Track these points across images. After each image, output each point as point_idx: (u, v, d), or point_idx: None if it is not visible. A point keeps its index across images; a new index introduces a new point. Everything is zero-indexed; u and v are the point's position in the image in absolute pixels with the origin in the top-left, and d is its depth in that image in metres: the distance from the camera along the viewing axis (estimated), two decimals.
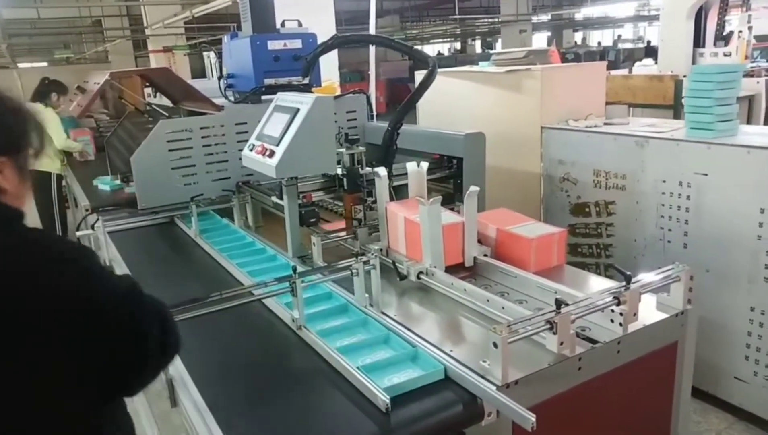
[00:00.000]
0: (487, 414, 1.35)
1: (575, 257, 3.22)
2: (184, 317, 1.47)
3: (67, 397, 0.93)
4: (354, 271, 1.72)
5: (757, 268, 2.45)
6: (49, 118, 4.84)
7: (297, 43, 2.84)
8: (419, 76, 4.01)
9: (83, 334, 0.92)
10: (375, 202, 2.20)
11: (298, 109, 2.02)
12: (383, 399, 1.28)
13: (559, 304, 1.44)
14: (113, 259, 2.47)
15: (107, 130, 5.23)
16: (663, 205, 2.78)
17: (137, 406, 2.84)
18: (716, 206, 2.56)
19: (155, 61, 11.09)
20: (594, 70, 3.66)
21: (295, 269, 1.62)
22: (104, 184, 3.56)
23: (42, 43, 16.42)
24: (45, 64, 16.75)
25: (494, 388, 1.33)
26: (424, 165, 2.19)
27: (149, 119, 3.47)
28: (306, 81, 2.83)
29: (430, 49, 28.83)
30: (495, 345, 1.35)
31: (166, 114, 3.20)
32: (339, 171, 2.29)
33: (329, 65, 4.95)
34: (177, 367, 1.52)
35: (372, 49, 4.59)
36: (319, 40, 2.85)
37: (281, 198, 2.21)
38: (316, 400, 1.40)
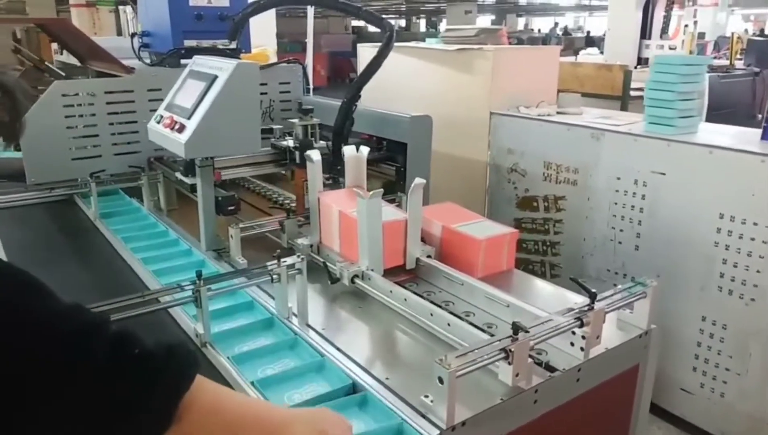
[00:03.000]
0: None
1: (519, 253, 3.04)
2: None
3: None
4: (274, 276, 1.44)
5: (712, 276, 2.33)
6: None
7: (224, 1, 2.48)
8: (365, 49, 3.71)
9: None
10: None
11: (215, 77, 1.69)
12: None
13: (516, 329, 1.21)
14: None
15: None
16: (616, 203, 2.63)
17: None
18: (672, 208, 2.42)
19: (77, 17, 10.19)
20: (548, 54, 3.47)
21: (200, 275, 1.32)
22: None
23: None
24: None
25: (437, 432, 1.10)
26: (364, 150, 1.92)
27: (51, 79, 3.01)
28: (233, 45, 2.48)
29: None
30: (441, 380, 1.11)
31: (63, 74, 2.77)
32: (290, 143, 2.08)
33: (266, 32, 4.56)
34: None
35: (310, 15, 4.22)
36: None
37: (186, 175, 1.89)
38: None
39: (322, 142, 2.12)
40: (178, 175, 2.03)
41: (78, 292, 1.69)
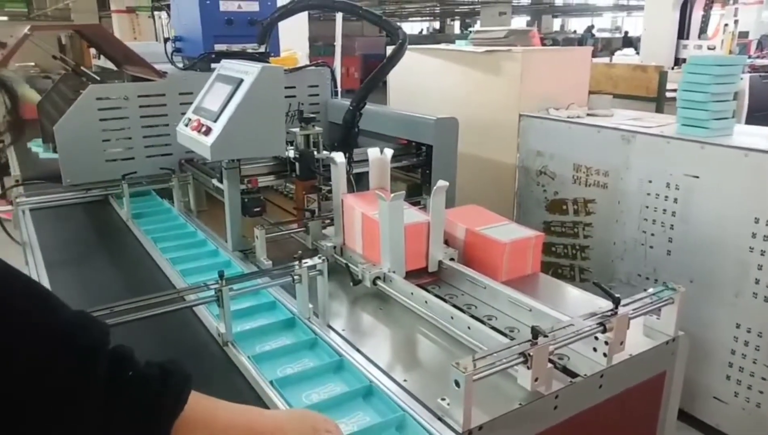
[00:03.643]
0: None
1: (548, 257, 3.00)
2: None
3: None
4: (296, 277, 1.45)
5: (746, 282, 2.26)
6: None
7: (253, 6, 2.51)
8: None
9: None
10: (331, 191, 1.94)
11: (241, 80, 1.72)
12: None
13: (535, 334, 1.19)
14: (27, 242, 2.16)
15: None
16: (647, 207, 2.57)
17: None
18: (706, 212, 2.36)
19: (117, 23, 10.48)
20: (578, 55, 3.41)
21: (222, 275, 1.34)
22: (36, 146, 3.25)
23: None
24: (4, 18, 15.85)
25: None
26: (388, 152, 1.92)
27: (88, 82, 3.10)
28: (262, 49, 2.52)
29: (409, 28, 28.37)
30: (457, 384, 1.10)
31: (98, 78, 2.85)
32: (291, 154, 2.01)
33: (298, 35, 4.61)
34: None
35: (339, 19, 4.26)
36: (279, 4, 2.53)
37: (222, 181, 1.92)
38: None
39: (325, 152, 2.01)
40: (215, 181, 2.05)
41: (108, 290, 1.75)
